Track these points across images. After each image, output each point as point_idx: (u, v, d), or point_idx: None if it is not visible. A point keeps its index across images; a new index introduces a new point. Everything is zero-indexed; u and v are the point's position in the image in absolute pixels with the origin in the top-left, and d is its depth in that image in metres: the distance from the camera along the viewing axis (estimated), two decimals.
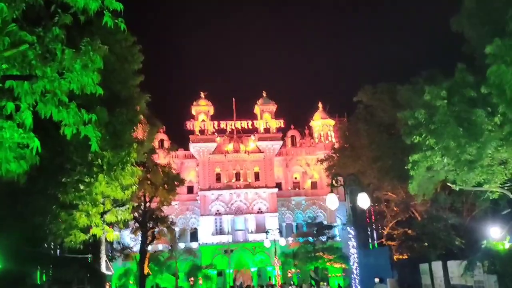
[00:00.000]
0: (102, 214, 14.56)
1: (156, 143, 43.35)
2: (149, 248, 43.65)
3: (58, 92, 8.84)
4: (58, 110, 9.02)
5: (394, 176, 24.21)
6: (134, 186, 14.93)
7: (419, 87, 23.45)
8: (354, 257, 12.20)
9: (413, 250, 24.16)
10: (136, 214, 24.35)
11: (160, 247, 45.52)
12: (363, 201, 12.41)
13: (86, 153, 13.74)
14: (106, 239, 15.34)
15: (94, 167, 13.58)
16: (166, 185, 23.82)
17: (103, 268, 15.62)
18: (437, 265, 21.02)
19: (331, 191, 12.60)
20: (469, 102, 16.80)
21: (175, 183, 24.76)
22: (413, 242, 24.06)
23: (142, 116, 18.60)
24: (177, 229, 49.16)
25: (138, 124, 15.41)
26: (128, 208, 15.37)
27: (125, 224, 21.46)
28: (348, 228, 12.27)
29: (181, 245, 48.50)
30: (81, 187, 13.61)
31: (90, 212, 13.63)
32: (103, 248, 15.71)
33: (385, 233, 28.40)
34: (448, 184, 18.40)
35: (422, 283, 22.40)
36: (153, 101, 22.51)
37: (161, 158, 31.60)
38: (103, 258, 15.66)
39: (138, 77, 16.60)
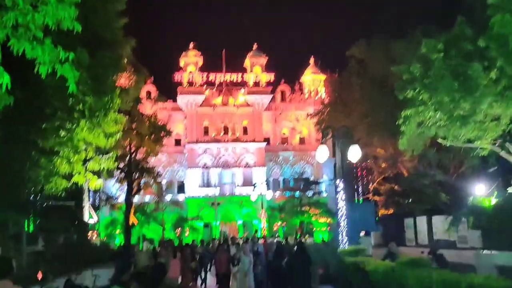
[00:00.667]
0: (85, 161, 14.11)
1: (143, 94, 42.49)
2: (136, 199, 43.79)
3: (31, 26, 8.03)
4: (32, 46, 8.24)
5: (384, 132, 24.02)
6: (118, 134, 14.42)
7: (414, 41, 22.85)
8: (342, 210, 12.05)
9: (399, 205, 24.39)
10: (121, 165, 23.97)
11: (147, 198, 45.57)
12: (354, 153, 12.14)
13: (66, 98, 13.09)
14: (89, 187, 14.95)
15: (75, 112, 12.98)
16: (152, 136, 23.32)
17: (86, 217, 15.34)
18: (421, 220, 21.18)
19: (322, 143, 12.23)
20: (466, 56, 16.35)
21: (162, 133, 24.25)
22: (399, 198, 24.25)
23: (127, 61, 17.78)
24: (164, 181, 49.16)
25: (124, 72, 14.65)
26: (112, 157, 14.90)
27: (110, 174, 21.09)
28: (338, 180, 12.03)
29: (168, 197, 48.59)
30: (62, 133, 13.06)
31: (72, 159, 13.14)
32: (85, 196, 15.36)
33: (372, 188, 28.59)
34: (439, 140, 18.23)
35: (406, 237, 22.66)
36: (140, 52, 21.66)
37: (148, 109, 30.87)
38: (86, 206, 15.33)
39: (122, 19, 15.65)
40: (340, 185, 12.11)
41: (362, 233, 22.37)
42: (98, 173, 15.01)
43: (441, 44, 17.02)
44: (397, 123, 18.15)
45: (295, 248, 9.61)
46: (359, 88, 26.60)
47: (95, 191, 28.84)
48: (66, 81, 10.27)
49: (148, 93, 48.24)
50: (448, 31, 17.91)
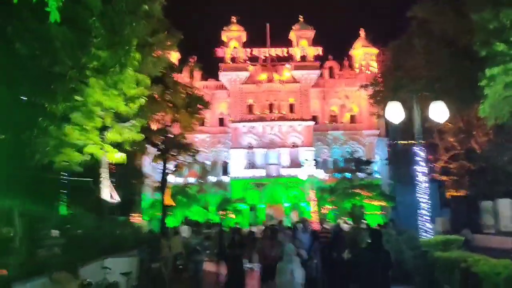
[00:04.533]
0: (102, 130, 11.97)
1: (186, 74, 40.50)
2: (180, 180, 42.38)
3: None
4: None
5: (455, 100, 20.53)
6: (142, 99, 12.16)
7: None
8: (424, 187, 9.19)
9: (472, 185, 20.94)
10: (157, 142, 21.99)
11: (191, 180, 44.17)
12: (439, 111, 9.19)
13: (78, 54, 10.89)
14: (111, 163, 12.81)
15: (88, 70, 10.78)
16: (188, 108, 21.06)
17: (105, 195, 13.32)
18: (504, 203, 17.80)
19: (393, 100, 9.48)
20: None
21: (199, 106, 21.93)
22: (473, 177, 20.78)
23: (156, 20, 15.40)
24: (208, 162, 47.50)
25: (143, 20, 12.19)
26: (136, 125, 12.66)
27: (141, 149, 19.03)
28: (417, 149, 9.13)
29: (212, 179, 46.99)
30: (75, 96, 10.94)
31: (86, 127, 11.00)
32: (104, 171, 13.30)
33: (439, 167, 25.05)
34: None
35: (482, 223, 19.30)
36: (183, 33, 19.26)
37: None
38: (105, 183, 13.28)
39: None
40: (421, 153, 9.20)
41: None
42: (120, 145, 12.82)
43: None
44: (479, 84, 14.82)
45: (369, 240, 6.91)
46: (424, 51, 23.01)
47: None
48: (75, 32, 8.16)
49: (191, 72, 45.75)
50: None
